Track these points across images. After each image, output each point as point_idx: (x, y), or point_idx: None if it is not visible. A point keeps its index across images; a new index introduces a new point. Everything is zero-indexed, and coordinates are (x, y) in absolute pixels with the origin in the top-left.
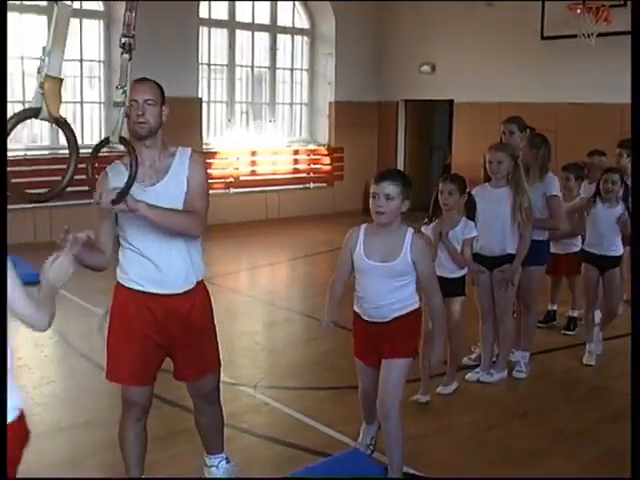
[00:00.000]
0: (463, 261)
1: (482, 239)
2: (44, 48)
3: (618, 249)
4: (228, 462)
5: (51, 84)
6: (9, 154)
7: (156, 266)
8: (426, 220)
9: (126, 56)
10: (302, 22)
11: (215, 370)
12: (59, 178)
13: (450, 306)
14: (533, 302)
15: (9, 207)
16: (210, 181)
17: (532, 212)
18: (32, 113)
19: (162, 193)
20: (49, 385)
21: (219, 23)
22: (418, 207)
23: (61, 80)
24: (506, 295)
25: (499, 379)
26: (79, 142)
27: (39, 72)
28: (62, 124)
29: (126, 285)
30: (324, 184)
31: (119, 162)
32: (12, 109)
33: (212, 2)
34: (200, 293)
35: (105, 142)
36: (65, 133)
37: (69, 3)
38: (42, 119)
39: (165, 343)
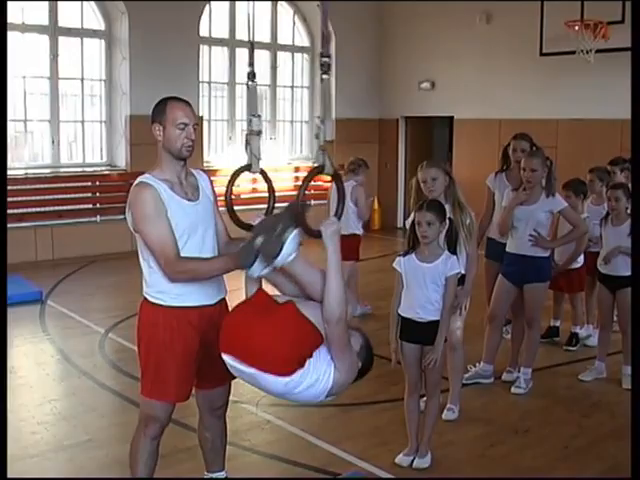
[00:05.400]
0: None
1: None
2: (318, 117)
3: (630, 268)
4: None
5: (328, 146)
6: (10, 173)
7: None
8: (401, 253)
9: (326, 77)
10: (302, 40)
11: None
12: (60, 197)
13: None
14: (536, 319)
15: (11, 225)
16: None
17: (474, 228)
18: (318, 170)
19: (203, 208)
20: (50, 404)
21: (219, 41)
22: None
23: (331, 141)
24: (457, 322)
25: (458, 414)
26: (81, 161)
27: (317, 137)
28: (337, 176)
29: (164, 304)
30: (325, 201)
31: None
32: (14, 128)
33: (213, 21)
34: (226, 302)
35: (246, 168)
36: (337, 183)
37: (326, 77)
38: (326, 173)
39: (202, 353)
